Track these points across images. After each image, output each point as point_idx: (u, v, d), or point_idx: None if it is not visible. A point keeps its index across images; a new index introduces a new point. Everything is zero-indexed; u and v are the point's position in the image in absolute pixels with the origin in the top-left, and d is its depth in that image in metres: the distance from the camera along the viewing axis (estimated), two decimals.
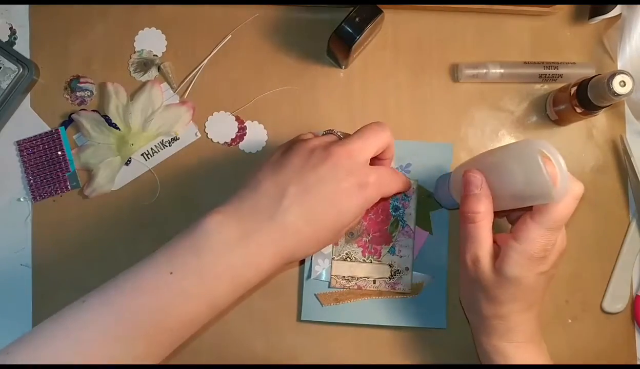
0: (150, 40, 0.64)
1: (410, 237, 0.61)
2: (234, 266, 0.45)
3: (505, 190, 0.49)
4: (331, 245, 0.61)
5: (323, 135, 0.53)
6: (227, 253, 0.44)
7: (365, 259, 0.61)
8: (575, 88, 0.58)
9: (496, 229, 0.51)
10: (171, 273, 0.44)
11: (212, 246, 0.44)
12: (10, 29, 0.64)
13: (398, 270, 0.61)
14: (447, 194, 0.57)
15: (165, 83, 0.64)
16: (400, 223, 0.61)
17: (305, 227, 0.46)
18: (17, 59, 0.61)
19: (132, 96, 0.63)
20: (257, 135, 0.63)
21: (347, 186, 0.47)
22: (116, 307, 0.44)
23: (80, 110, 0.63)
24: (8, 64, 0.61)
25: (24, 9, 0.64)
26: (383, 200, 0.56)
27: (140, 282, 0.45)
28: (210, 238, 0.45)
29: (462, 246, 0.52)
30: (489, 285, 0.50)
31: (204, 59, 0.64)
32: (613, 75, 0.53)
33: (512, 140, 0.64)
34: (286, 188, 0.46)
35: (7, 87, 0.61)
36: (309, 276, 0.61)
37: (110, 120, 0.62)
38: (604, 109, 0.57)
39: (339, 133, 0.52)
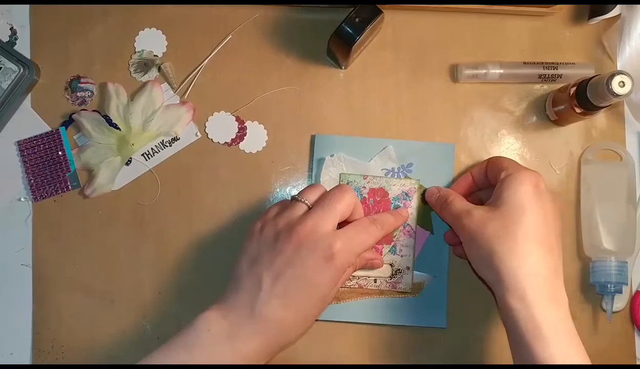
0: (151, 41, 0.64)
1: (411, 237, 0.62)
2: (223, 358, 0.48)
3: None
4: None
5: (292, 199, 0.55)
6: (215, 348, 0.48)
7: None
8: (574, 88, 0.58)
9: None
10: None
11: (201, 342, 0.48)
12: (11, 29, 0.64)
13: (399, 269, 0.61)
14: None
15: (166, 83, 0.64)
16: None
17: (285, 313, 0.49)
18: (17, 59, 0.61)
19: (133, 96, 0.63)
20: (257, 135, 0.64)
21: (313, 263, 0.50)
22: None
23: (81, 110, 0.63)
24: (9, 64, 0.61)
25: (24, 9, 0.64)
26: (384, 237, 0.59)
27: None
28: (199, 335, 0.48)
29: (455, 230, 0.56)
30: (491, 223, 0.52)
31: (204, 59, 0.64)
32: (612, 76, 0.53)
33: (512, 141, 0.64)
34: (260, 280, 0.50)
35: (7, 87, 0.61)
36: None
37: (111, 120, 0.62)
38: (603, 109, 0.57)
39: (305, 201, 0.54)
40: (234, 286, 0.51)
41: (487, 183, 0.59)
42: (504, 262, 0.49)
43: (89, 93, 0.64)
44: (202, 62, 0.64)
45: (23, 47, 0.64)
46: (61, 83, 0.64)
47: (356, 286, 0.61)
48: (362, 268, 0.58)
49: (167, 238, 0.63)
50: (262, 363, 0.50)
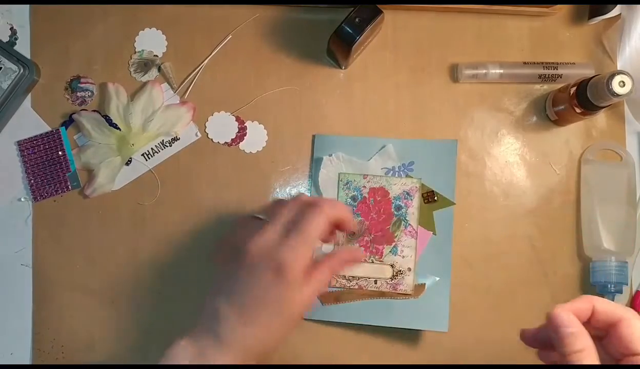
0: (151, 41, 0.64)
1: (413, 237, 0.61)
2: None
3: None
4: (332, 244, 0.61)
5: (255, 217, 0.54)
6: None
7: (366, 259, 0.61)
8: (574, 88, 0.58)
9: None
10: None
11: (174, 362, 0.48)
12: (11, 29, 0.64)
13: (400, 271, 0.61)
14: None
15: (166, 83, 0.64)
16: (402, 222, 0.62)
17: (247, 330, 0.49)
18: (17, 59, 0.61)
19: (133, 96, 0.63)
20: (257, 135, 0.64)
21: (264, 279, 0.49)
22: None
23: (81, 110, 0.63)
24: (9, 64, 0.61)
25: (24, 9, 0.64)
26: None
27: None
28: (173, 360, 0.48)
29: None
30: None
31: (204, 59, 0.64)
32: (612, 76, 0.53)
33: (512, 141, 0.64)
34: (220, 301, 0.50)
35: (7, 87, 0.61)
36: None
37: (111, 120, 0.62)
38: (603, 109, 0.57)
39: (263, 217, 0.53)
40: (202, 312, 0.51)
41: (602, 331, 0.46)
42: None
43: (89, 93, 0.64)
44: (202, 62, 0.64)
45: (23, 47, 0.64)
46: (61, 83, 0.64)
47: (356, 287, 0.61)
48: (342, 269, 0.57)
49: (167, 238, 0.63)
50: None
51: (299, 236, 0.49)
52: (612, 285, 0.60)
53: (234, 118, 0.64)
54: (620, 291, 0.60)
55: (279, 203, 0.53)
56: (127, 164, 0.63)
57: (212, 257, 0.54)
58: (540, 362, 0.48)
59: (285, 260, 0.48)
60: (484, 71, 0.62)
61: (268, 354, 0.51)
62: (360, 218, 0.62)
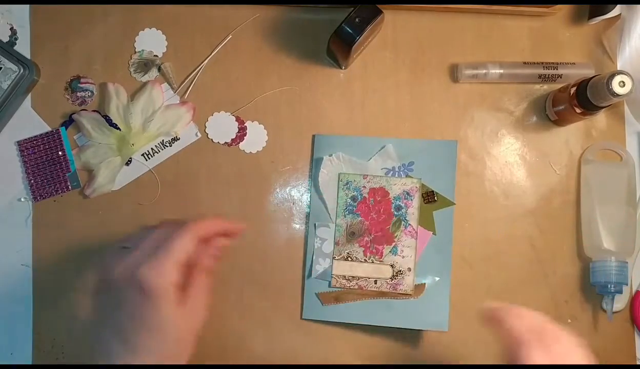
0: (151, 41, 0.64)
1: (413, 237, 0.61)
2: None
3: None
4: (332, 245, 0.61)
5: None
6: None
7: (366, 259, 0.61)
8: (574, 88, 0.58)
9: None
10: None
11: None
12: (11, 29, 0.64)
13: (400, 271, 0.61)
14: None
15: (166, 83, 0.64)
16: (402, 222, 0.62)
17: (137, 360, 0.47)
18: (17, 59, 0.61)
19: (133, 96, 0.63)
20: (257, 135, 0.64)
21: (133, 302, 0.48)
22: None
23: (81, 110, 0.63)
24: (9, 64, 0.61)
25: (24, 9, 0.64)
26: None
27: None
28: None
29: None
30: None
31: (204, 59, 0.64)
32: (612, 76, 0.53)
33: (512, 141, 0.64)
34: (104, 334, 0.50)
35: (7, 87, 0.61)
36: (310, 275, 0.61)
37: (111, 120, 0.62)
38: (603, 109, 0.57)
39: (129, 246, 0.52)
40: (94, 351, 0.51)
41: None
42: None
43: (89, 93, 0.64)
44: (202, 62, 0.64)
45: (23, 47, 0.64)
46: (61, 83, 0.64)
47: (356, 287, 0.61)
48: (213, 262, 0.54)
49: None
50: None
51: (160, 254, 0.49)
52: (612, 285, 0.60)
53: (234, 118, 0.64)
54: (620, 291, 0.60)
55: (145, 230, 0.52)
56: (127, 164, 0.63)
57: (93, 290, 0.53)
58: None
59: (146, 278, 0.48)
60: (484, 71, 0.62)
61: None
62: (360, 218, 0.62)
